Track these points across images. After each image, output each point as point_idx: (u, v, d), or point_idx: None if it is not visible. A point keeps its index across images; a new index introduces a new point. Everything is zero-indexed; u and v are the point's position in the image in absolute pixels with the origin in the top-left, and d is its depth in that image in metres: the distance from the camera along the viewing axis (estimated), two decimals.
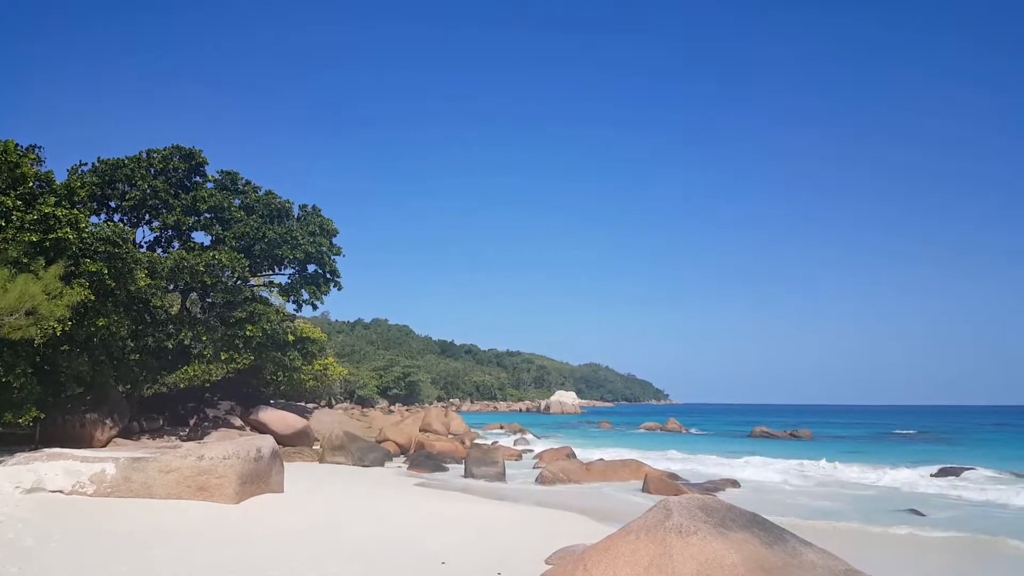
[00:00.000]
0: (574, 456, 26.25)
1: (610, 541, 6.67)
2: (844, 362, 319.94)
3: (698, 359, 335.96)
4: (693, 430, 56.41)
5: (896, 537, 12.54)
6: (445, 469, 21.72)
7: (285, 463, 14.06)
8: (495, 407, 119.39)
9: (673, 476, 20.11)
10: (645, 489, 17.10)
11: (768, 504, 16.17)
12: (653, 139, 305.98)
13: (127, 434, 21.18)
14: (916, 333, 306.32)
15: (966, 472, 22.63)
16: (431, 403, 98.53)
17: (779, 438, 46.97)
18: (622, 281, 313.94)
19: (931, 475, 22.48)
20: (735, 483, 19.88)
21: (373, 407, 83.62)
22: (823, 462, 25.59)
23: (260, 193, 27.63)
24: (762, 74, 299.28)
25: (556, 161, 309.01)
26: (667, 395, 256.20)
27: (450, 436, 32.39)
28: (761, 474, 22.80)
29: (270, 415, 23.39)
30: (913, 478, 21.90)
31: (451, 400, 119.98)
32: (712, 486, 18.93)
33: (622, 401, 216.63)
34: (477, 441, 34.14)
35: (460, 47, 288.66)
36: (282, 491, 12.94)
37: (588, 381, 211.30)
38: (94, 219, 22.97)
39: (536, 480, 19.05)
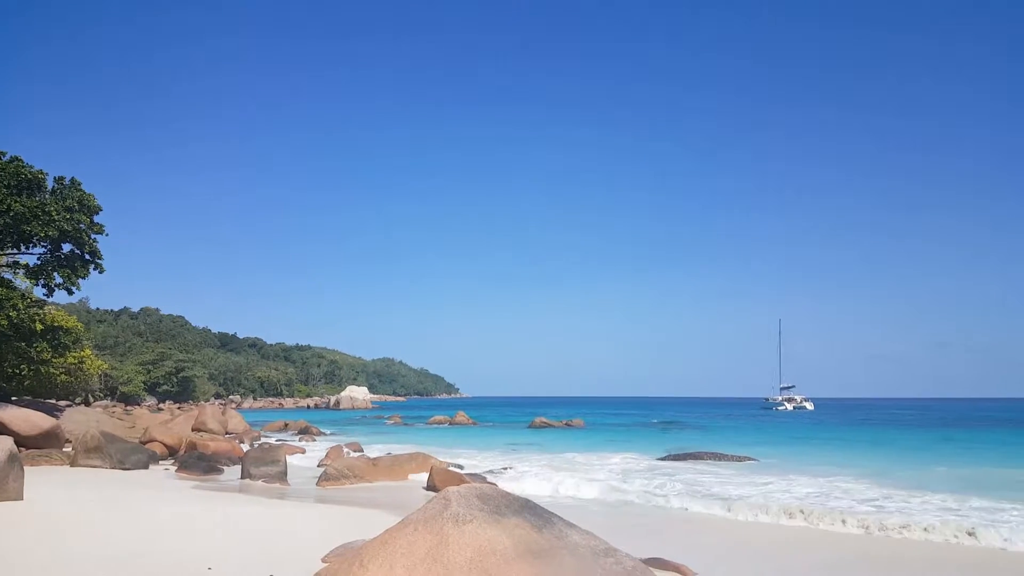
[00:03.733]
0: (362, 452, 25.95)
1: (388, 535, 6.70)
2: (619, 356, 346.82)
3: (487, 353, 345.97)
4: (481, 423, 58.21)
5: (650, 516, 13.93)
6: (220, 471, 20.42)
7: (28, 467, 12.48)
8: (281, 404, 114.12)
9: (458, 467, 20.63)
10: (430, 481, 17.35)
11: (539, 488, 17.24)
12: (437, 123, 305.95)
13: None
14: (682, 331, 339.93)
15: (707, 455, 25.62)
16: (208, 400, 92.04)
17: (556, 427, 50.51)
18: (418, 274, 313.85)
19: (677, 459, 25.18)
20: (513, 470, 20.92)
21: (139, 405, 76.56)
22: (594, 450, 27.67)
23: (4, 159, 24.04)
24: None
25: (356, 150, 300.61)
26: (458, 389, 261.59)
27: (227, 436, 30.57)
28: (537, 461, 24.19)
29: (10, 413, 20.47)
30: (665, 463, 24.49)
31: (231, 397, 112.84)
32: (492, 474, 19.72)
33: (414, 395, 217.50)
34: (259, 440, 32.58)
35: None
36: (22, 499, 11.47)
37: (381, 376, 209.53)
38: None
39: (320, 478, 18.55)
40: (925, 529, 11.89)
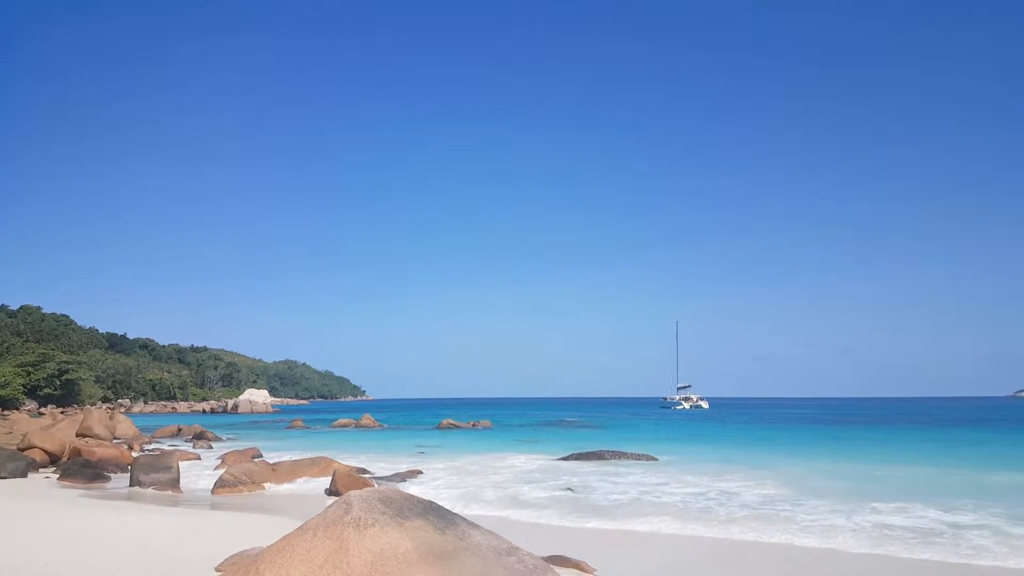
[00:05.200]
0: (260, 457, 25.12)
1: (286, 541, 6.57)
2: (526, 357, 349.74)
3: (394, 355, 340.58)
4: (388, 425, 57.52)
5: (551, 516, 14.20)
6: (107, 478, 19.38)
7: None
8: (174, 408, 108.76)
9: (362, 471, 20.35)
10: (333, 485, 17.02)
11: (445, 490, 17.24)
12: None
13: None
14: (584, 333, 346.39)
15: (609, 454, 26.27)
16: (94, 404, 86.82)
17: (463, 429, 50.67)
18: (321, 274, 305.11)
19: (580, 458, 25.74)
20: (419, 472, 20.84)
21: (18, 410, 71.49)
22: (500, 451, 27.92)
23: None
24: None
25: (251, 146, 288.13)
26: (364, 391, 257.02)
27: (116, 441, 28.94)
28: (444, 463, 24.19)
29: None
30: (568, 462, 25.02)
31: (120, 401, 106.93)
32: (398, 478, 19.56)
33: (318, 398, 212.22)
34: (149, 446, 31.10)
35: None
36: None
37: (283, 378, 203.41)
38: None
39: (216, 484, 17.85)
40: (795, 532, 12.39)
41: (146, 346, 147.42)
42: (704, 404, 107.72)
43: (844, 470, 22.16)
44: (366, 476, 18.85)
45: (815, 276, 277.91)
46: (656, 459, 25.56)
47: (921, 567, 10.00)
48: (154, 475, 17.81)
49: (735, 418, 72.23)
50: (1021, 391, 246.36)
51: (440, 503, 7.65)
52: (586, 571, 9.02)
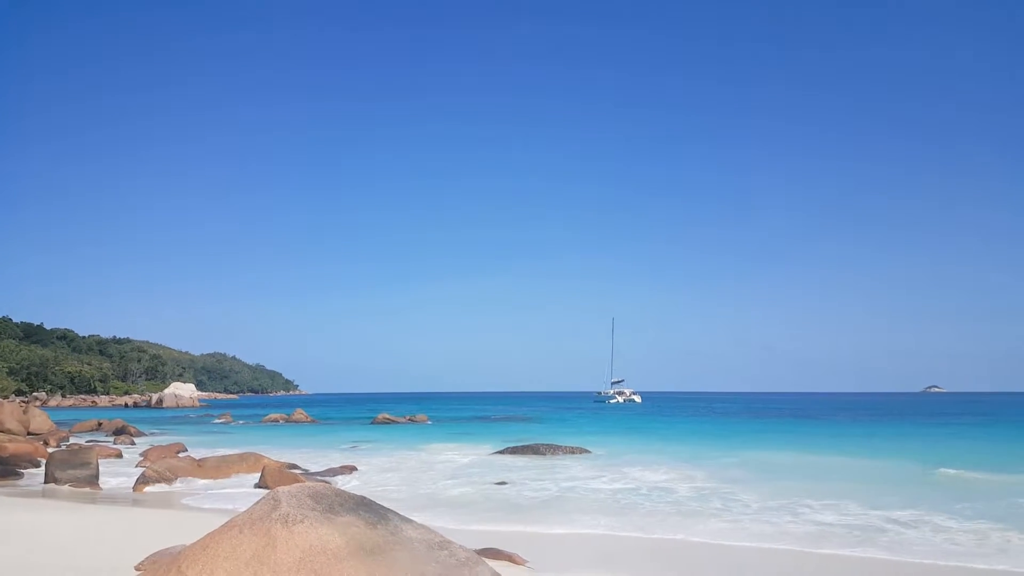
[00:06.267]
0: (186, 452, 24.40)
1: (210, 538, 6.36)
2: (461, 351, 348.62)
3: (329, 348, 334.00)
4: (321, 421, 56.61)
5: (486, 509, 14.26)
6: (19, 475, 18.51)
7: None
8: (95, 402, 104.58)
9: (292, 466, 19.99)
10: (262, 481, 16.66)
11: (379, 486, 17.11)
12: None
13: None
14: (520, 328, 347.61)
15: (544, 447, 26.54)
16: (7, 398, 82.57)
17: (399, 423, 50.31)
18: (252, 265, 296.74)
19: (516, 452, 25.94)
20: (353, 468, 20.59)
21: None
22: (436, 445, 27.86)
23: None
24: None
25: (188, 135, 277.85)
26: (297, 386, 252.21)
27: (29, 436, 27.64)
28: (378, 458, 23.99)
29: None
30: (504, 456, 25.19)
31: (35, 394, 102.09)
32: (331, 473, 19.31)
33: (248, 392, 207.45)
34: (67, 441, 29.82)
35: None
36: None
37: (211, 372, 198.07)
38: None
39: (138, 481, 17.23)
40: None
41: (64, 337, 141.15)
42: (637, 398, 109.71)
43: (773, 463, 22.59)
44: (297, 472, 18.53)
45: (744, 273, 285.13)
46: (589, 452, 25.95)
47: (861, 565, 9.79)
48: (71, 471, 17.07)
49: (667, 411, 73.93)
50: (931, 387, 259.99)
51: (374, 499, 7.55)
52: (518, 563, 9.08)
